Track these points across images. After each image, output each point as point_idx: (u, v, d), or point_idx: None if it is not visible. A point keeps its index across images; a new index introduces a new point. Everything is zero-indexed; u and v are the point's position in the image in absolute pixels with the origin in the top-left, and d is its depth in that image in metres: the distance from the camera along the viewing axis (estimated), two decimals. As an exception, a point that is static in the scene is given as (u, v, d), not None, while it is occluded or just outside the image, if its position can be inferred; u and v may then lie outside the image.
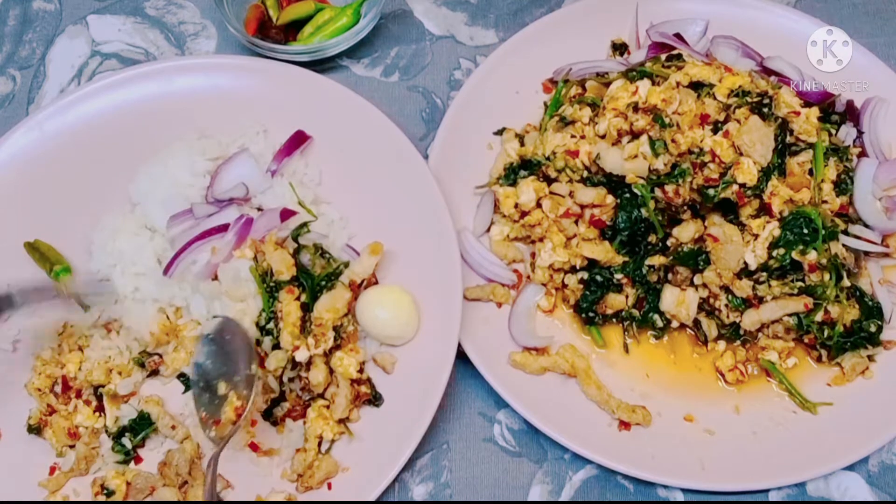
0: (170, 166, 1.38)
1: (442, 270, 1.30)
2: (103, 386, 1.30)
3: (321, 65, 1.57)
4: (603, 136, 1.38)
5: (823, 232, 1.29)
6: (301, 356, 1.24)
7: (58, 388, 1.29)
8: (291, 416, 1.29)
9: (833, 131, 1.42)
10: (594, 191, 1.36)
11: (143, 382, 1.33)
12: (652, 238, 1.36)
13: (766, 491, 1.28)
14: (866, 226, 1.37)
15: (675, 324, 1.37)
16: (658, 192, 1.32)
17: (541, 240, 1.38)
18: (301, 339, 1.25)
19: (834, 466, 1.26)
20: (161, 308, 1.33)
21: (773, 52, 1.50)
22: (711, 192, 1.30)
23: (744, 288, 1.32)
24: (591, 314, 1.37)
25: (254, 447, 1.28)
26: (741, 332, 1.35)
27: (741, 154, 1.30)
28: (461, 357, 1.28)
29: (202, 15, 1.67)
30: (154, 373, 1.33)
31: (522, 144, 1.46)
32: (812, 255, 1.29)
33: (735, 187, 1.29)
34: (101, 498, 1.24)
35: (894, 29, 1.64)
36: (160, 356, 1.32)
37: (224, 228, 1.32)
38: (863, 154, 1.43)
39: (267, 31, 1.57)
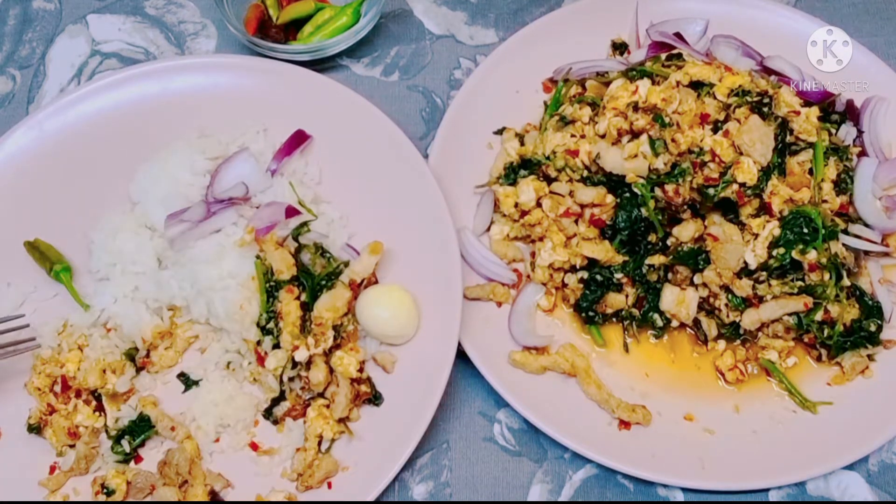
0: (170, 165, 1.38)
1: (442, 270, 1.30)
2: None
3: (321, 64, 1.57)
4: (603, 136, 1.38)
5: (823, 231, 1.29)
6: (301, 356, 1.24)
7: (57, 388, 1.29)
8: (291, 416, 1.29)
9: (833, 131, 1.42)
10: (594, 190, 1.36)
11: (137, 377, 1.32)
12: (652, 237, 1.36)
13: (766, 490, 1.28)
14: (866, 225, 1.37)
15: (674, 323, 1.37)
16: (658, 192, 1.32)
17: (541, 239, 1.38)
18: (301, 338, 1.25)
19: (834, 465, 1.26)
20: (156, 310, 1.32)
21: (773, 51, 1.50)
22: (711, 191, 1.30)
23: (744, 287, 1.32)
24: (591, 313, 1.37)
25: (254, 447, 1.28)
26: (741, 331, 1.35)
27: (741, 153, 1.30)
28: (461, 356, 1.28)
29: (202, 14, 1.67)
30: (142, 368, 1.33)
31: (522, 144, 1.46)
32: (812, 255, 1.29)
33: (735, 187, 1.29)
34: (102, 497, 1.24)
35: (894, 28, 1.65)
36: (147, 353, 1.32)
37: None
38: (863, 153, 1.43)
39: (267, 30, 1.57)
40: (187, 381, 1.32)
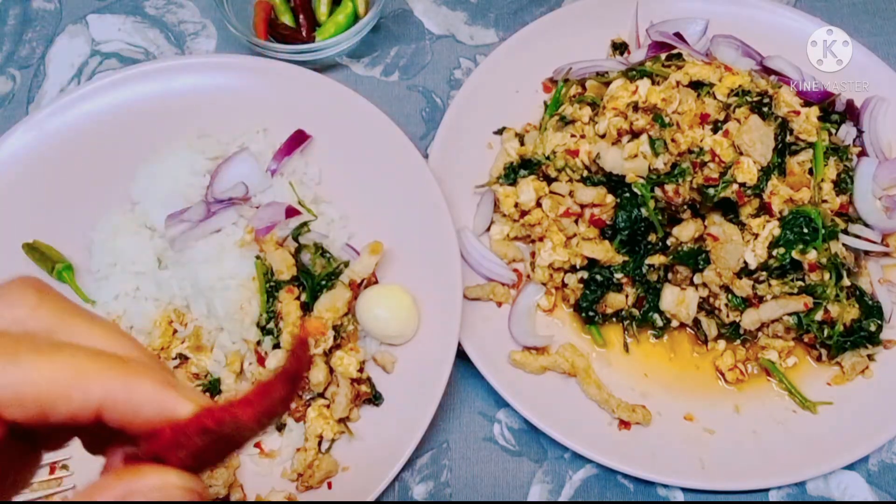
0: (169, 165, 1.38)
1: (442, 270, 1.30)
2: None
3: (321, 64, 1.57)
4: (603, 136, 1.38)
5: (823, 231, 1.29)
6: (301, 356, 1.24)
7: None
8: (293, 417, 1.29)
9: (833, 131, 1.42)
10: (594, 190, 1.36)
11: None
12: (652, 237, 1.36)
13: (766, 490, 1.28)
14: (866, 225, 1.37)
15: (674, 323, 1.37)
16: (658, 192, 1.32)
17: (541, 239, 1.38)
18: (301, 338, 1.25)
19: (834, 465, 1.26)
20: (165, 312, 1.32)
21: (773, 51, 1.50)
22: (711, 191, 1.30)
23: (744, 287, 1.32)
24: (591, 313, 1.37)
25: (258, 446, 1.28)
26: (741, 331, 1.35)
27: (741, 153, 1.30)
28: (461, 356, 1.28)
29: (202, 14, 1.67)
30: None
31: (522, 144, 1.46)
32: (812, 255, 1.29)
33: (735, 186, 1.29)
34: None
35: (894, 28, 1.65)
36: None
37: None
38: (863, 153, 1.43)
39: (277, 30, 1.56)
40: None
